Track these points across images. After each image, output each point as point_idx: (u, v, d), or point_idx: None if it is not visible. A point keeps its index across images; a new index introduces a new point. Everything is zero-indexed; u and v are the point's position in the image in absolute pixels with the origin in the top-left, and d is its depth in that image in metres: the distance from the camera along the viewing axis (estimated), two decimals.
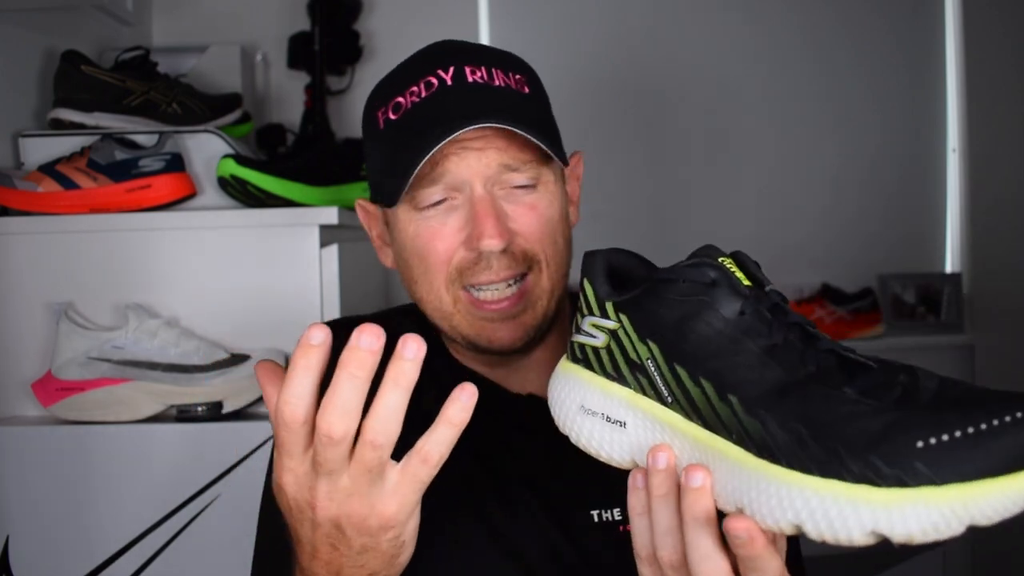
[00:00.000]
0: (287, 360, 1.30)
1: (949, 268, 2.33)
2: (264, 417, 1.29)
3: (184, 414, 1.27)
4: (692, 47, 2.27)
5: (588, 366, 0.62)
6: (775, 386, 0.52)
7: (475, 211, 0.78)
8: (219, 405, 1.27)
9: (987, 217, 2.24)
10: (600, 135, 2.16)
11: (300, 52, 1.97)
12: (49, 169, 1.34)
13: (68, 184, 1.33)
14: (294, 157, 1.63)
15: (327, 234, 1.35)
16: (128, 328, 1.27)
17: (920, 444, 0.45)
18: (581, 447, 0.62)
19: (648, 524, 0.59)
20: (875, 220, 2.30)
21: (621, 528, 0.81)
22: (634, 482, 0.59)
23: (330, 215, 1.33)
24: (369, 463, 0.54)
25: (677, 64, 2.26)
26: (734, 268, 0.57)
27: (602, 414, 0.60)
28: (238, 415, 1.29)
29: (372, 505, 0.56)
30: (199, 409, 1.27)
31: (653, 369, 0.57)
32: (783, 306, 0.56)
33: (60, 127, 1.42)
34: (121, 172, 1.33)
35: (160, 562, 1.25)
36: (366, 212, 0.91)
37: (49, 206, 1.32)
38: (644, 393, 0.58)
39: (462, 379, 0.87)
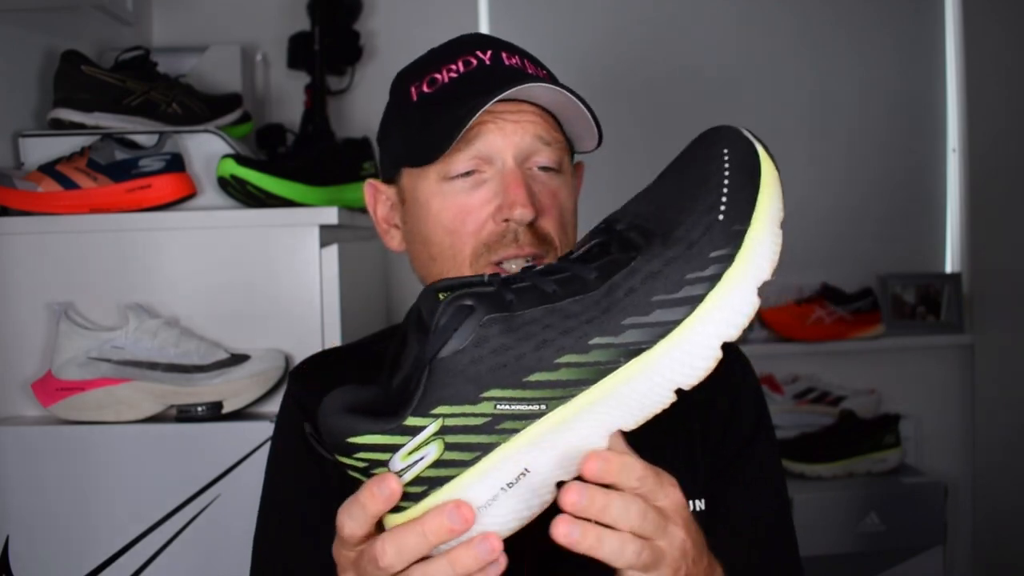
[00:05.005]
0: (287, 360, 1.31)
1: (949, 268, 2.33)
2: (264, 417, 1.30)
3: (184, 414, 1.27)
4: (691, 47, 2.27)
5: (443, 480, 0.56)
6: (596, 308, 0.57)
7: (507, 182, 0.81)
8: (219, 405, 1.27)
9: (987, 217, 2.23)
10: None
11: (300, 52, 1.96)
12: (49, 169, 1.34)
13: (68, 184, 1.32)
14: (294, 157, 1.63)
15: (327, 234, 1.35)
16: (128, 328, 1.27)
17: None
18: (509, 531, 0.57)
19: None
20: (875, 220, 2.30)
21: None
22: (572, 496, 0.55)
23: (330, 215, 1.33)
24: None
25: (676, 64, 2.26)
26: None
27: (500, 489, 0.55)
28: (238, 415, 1.29)
29: None
30: (199, 409, 1.27)
31: (507, 407, 0.55)
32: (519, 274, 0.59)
33: (60, 127, 1.42)
34: (121, 172, 1.33)
35: (160, 562, 1.25)
36: (375, 192, 0.92)
37: (49, 206, 1.32)
38: (516, 432, 0.55)
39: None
